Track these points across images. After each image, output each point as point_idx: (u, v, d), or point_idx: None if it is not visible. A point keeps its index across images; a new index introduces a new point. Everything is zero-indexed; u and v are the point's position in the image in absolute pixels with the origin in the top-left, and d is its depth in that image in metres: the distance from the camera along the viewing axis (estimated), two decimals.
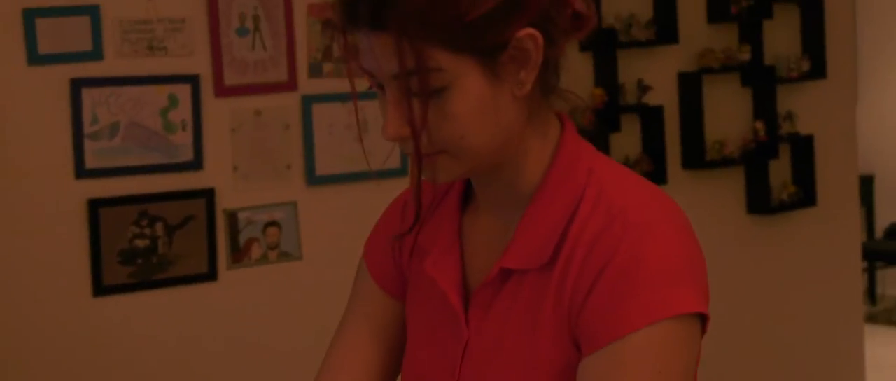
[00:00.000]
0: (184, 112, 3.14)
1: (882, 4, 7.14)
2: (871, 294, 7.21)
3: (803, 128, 4.41)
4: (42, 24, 2.95)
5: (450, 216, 1.23)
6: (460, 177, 1.13)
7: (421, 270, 1.26)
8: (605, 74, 3.88)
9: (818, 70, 4.38)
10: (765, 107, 4.27)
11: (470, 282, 1.21)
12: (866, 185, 7.20)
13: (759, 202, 4.28)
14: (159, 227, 3.10)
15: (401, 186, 3.46)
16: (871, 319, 6.86)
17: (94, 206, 3.02)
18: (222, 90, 3.19)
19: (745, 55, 4.18)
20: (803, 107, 4.42)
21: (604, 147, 3.85)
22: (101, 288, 3.04)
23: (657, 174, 3.99)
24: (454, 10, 1.04)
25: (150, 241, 3.09)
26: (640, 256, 1.07)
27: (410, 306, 1.29)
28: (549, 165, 1.16)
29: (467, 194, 1.26)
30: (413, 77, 1.05)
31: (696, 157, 4.10)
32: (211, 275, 3.19)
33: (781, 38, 4.34)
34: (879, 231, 7.21)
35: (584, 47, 3.84)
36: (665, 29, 3.98)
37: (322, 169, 3.35)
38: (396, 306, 1.31)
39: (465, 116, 1.07)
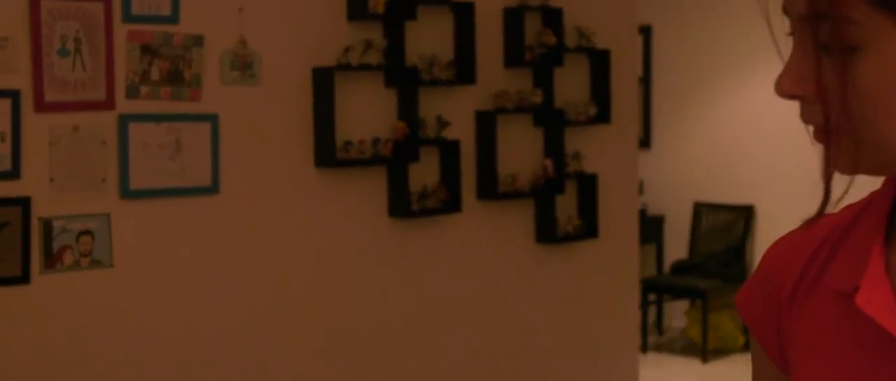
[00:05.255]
0: (3, 125, 3.33)
1: (672, 62, 7.77)
2: (658, 325, 7.77)
3: (588, 167, 4.85)
4: None
5: (871, 246, 0.97)
6: (864, 171, 0.92)
7: (822, 311, 1.01)
8: (407, 109, 4.22)
9: (604, 116, 4.83)
10: (554, 146, 4.69)
11: None
12: (657, 225, 7.77)
13: (546, 233, 4.69)
14: None
15: (211, 203, 3.74)
16: (658, 348, 7.40)
17: None
18: (42, 106, 3.40)
19: (538, 98, 4.59)
20: (589, 148, 4.86)
21: (403, 176, 4.19)
22: None
23: (452, 203, 4.35)
24: None
25: None
26: None
27: (803, 355, 1.02)
28: None
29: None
30: (823, 24, 0.88)
31: (490, 189, 4.48)
32: (24, 279, 3.38)
33: (571, 84, 4.78)
34: (668, 268, 7.79)
35: (388, 83, 4.18)
36: (464, 70, 4.36)
37: (136, 184, 3.58)
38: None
39: (875, 91, 0.87)
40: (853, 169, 0.91)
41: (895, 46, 0.85)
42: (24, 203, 3.37)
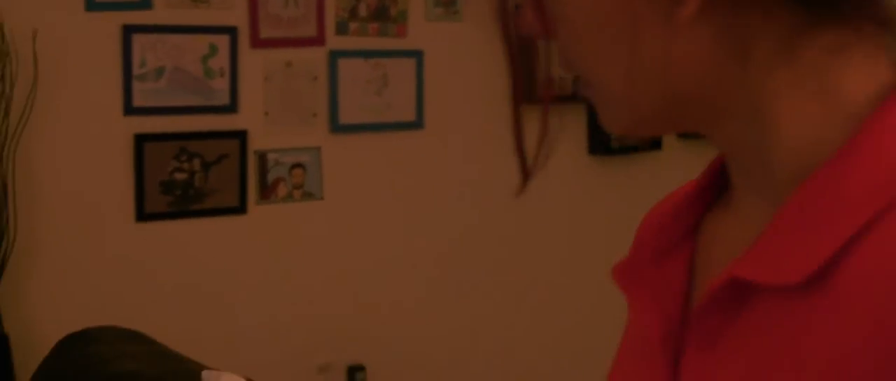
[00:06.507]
0: (222, 60, 3.47)
1: None
2: None
3: None
4: None
5: (686, 207, 0.79)
6: (629, 129, 0.73)
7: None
8: None
9: None
10: None
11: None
12: None
13: None
14: (197, 162, 3.44)
15: (416, 138, 3.81)
16: None
17: (140, 140, 3.36)
18: (257, 42, 3.53)
19: None
20: None
21: None
22: (143, 214, 3.39)
23: (653, 141, 4.31)
24: None
25: (188, 175, 3.44)
26: None
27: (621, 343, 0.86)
28: (849, 139, 0.67)
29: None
30: None
31: None
32: (241, 209, 3.53)
33: None
34: None
35: None
36: None
37: (345, 118, 3.68)
38: None
39: (579, 26, 0.70)
40: (615, 127, 0.72)
41: None
42: (241, 136, 3.51)
